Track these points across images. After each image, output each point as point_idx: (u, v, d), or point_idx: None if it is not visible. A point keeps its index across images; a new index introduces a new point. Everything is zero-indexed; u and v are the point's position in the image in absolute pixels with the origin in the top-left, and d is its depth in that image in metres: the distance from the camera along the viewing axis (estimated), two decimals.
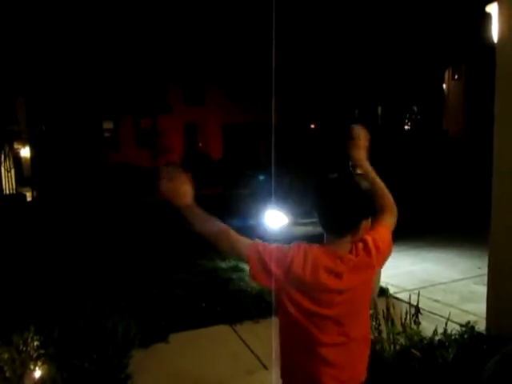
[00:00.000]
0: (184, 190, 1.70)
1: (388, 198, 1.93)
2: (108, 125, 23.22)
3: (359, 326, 1.74)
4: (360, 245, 1.71)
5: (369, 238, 1.73)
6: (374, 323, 3.13)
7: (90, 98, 20.87)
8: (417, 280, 5.33)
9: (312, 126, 24.71)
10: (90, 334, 3.41)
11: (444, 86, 24.96)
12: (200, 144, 24.18)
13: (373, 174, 1.99)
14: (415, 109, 25.30)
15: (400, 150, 15.23)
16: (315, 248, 1.69)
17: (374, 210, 1.77)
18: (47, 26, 18.58)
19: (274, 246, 1.69)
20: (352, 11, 20.36)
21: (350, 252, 1.68)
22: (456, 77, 24.46)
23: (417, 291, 4.42)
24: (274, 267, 1.63)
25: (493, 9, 3.33)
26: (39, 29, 18.32)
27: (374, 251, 1.70)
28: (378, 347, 2.92)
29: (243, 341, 4.10)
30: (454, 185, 10.58)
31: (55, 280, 5.11)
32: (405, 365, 2.60)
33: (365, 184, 1.73)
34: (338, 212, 1.65)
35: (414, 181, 11.02)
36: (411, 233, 7.30)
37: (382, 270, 5.14)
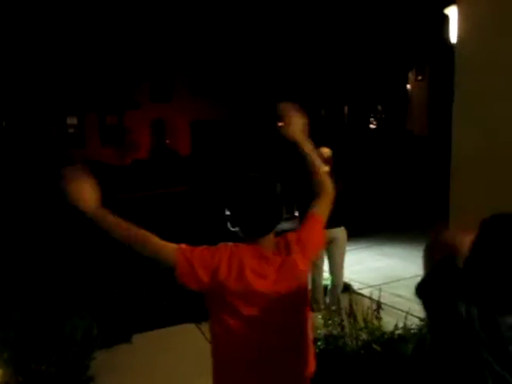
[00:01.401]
0: (86, 194, 1.60)
1: (323, 182, 1.85)
2: (72, 120, 22.53)
3: (289, 329, 1.69)
4: (282, 244, 1.68)
5: (293, 237, 1.71)
6: (336, 319, 3.17)
7: (53, 92, 20.24)
8: (380, 276, 5.44)
9: (280, 124, 24.83)
10: (49, 337, 3.31)
11: (408, 86, 25.58)
12: (167, 141, 23.88)
13: (308, 151, 1.88)
14: (380, 108, 25.85)
15: (366, 149, 15.53)
16: (242, 248, 1.66)
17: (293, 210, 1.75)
18: (7, 17, 17.88)
19: (200, 249, 1.64)
20: (319, 12, 20.57)
21: (275, 252, 1.66)
22: (420, 78, 25.08)
23: (380, 287, 4.52)
24: (201, 271, 1.59)
25: (451, 11, 3.43)
26: None
27: (296, 250, 1.67)
28: (340, 343, 2.96)
29: (208, 339, 4.07)
30: (418, 182, 10.87)
31: (12, 280, 4.92)
32: (366, 359, 2.65)
33: (278, 186, 1.68)
34: (259, 214, 1.62)
35: (379, 179, 11.26)
36: (375, 229, 7.44)
37: (346, 266, 5.25)
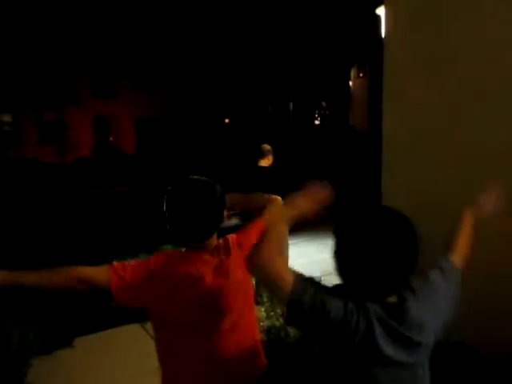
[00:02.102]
0: None
1: (274, 201, 1.86)
2: (6, 118, 21.25)
3: (233, 330, 1.66)
4: (221, 245, 1.67)
5: (233, 238, 1.70)
6: (278, 311, 3.24)
7: None
8: (323, 267, 5.59)
9: (226, 121, 24.84)
10: None
11: (350, 83, 26.40)
12: (111, 138, 23.15)
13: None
14: (324, 104, 26.52)
15: (311, 144, 15.87)
16: (175, 255, 1.64)
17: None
18: None
19: (132, 264, 1.59)
20: (264, 10, 20.72)
21: (213, 253, 1.63)
22: (361, 75, 25.95)
23: (323, 278, 4.66)
24: (136, 285, 1.53)
25: (381, 11, 3.60)
26: None
27: (235, 251, 1.66)
28: (282, 334, 3.03)
29: (153, 338, 4.03)
30: (359, 175, 11.24)
31: None
32: (306, 347, 2.74)
33: (219, 190, 1.62)
34: (198, 219, 1.56)
35: (322, 172, 11.53)
36: (318, 222, 7.62)
37: (291, 260, 5.34)
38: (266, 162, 4.55)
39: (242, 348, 1.68)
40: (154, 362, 3.75)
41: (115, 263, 1.58)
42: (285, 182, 4.71)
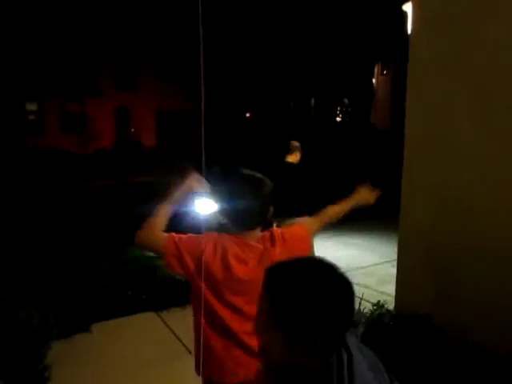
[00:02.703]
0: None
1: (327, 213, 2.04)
2: (31, 106, 21.65)
3: None
4: (267, 235, 1.79)
5: (277, 230, 1.82)
6: None
7: (11, 75, 19.39)
8: (340, 265, 5.59)
9: (247, 116, 24.85)
10: (1, 326, 3.24)
11: (373, 80, 26.10)
12: (132, 130, 23.38)
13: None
14: (346, 101, 26.27)
15: (331, 140, 15.76)
16: (225, 236, 1.76)
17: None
18: None
19: (187, 236, 1.76)
20: (288, 7, 20.60)
21: (259, 242, 1.76)
22: (385, 72, 25.64)
23: None
24: (187, 257, 1.70)
25: (408, 7, 3.55)
26: None
27: (279, 243, 1.77)
28: None
29: (168, 327, 4.09)
30: (379, 175, 11.15)
31: None
32: None
33: (269, 184, 1.79)
34: (250, 207, 1.71)
35: (343, 170, 11.47)
36: (339, 220, 7.58)
37: None
38: (293, 158, 4.71)
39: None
40: (167, 349, 3.83)
41: (172, 233, 1.77)
42: (311, 177, 4.80)
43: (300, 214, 4.33)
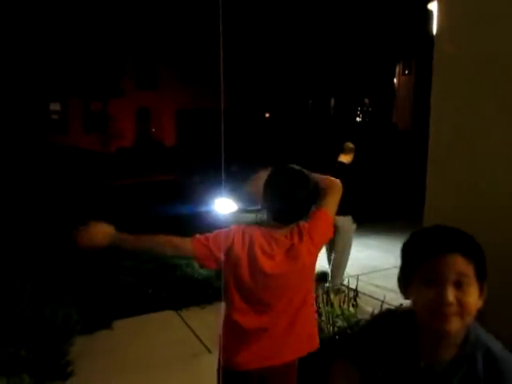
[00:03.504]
0: (103, 232, 1.79)
1: (328, 181, 1.96)
2: (55, 106, 22.13)
3: (287, 311, 1.78)
4: (295, 230, 1.79)
5: (304, 225, 1.81)
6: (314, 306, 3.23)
7: (36, 76, 19.83)
8: (360, 266, 5.54)
9: (267, 115, 24.84)
10: (28, 322, 3.31)
11: (395, 80, 25.77)
12: (153, 129, 23.65)
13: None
14: (367, 101, 26.00)
15: (351, 141, 15.60)
16: (253, 228, 1.78)
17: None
18: None
19: (213, 234, 1.78)
20: (308, 5, 20.51)
21: (286, 236, 1.76)
22: (406, 72, 25.29)
23: (358, 276, 4.62)
24: (217, 251, 1.74)
25: (433, 6, 3.49)
26: None
27: (307, 238, 1.77)
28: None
29: (188, 326, 4.12)
30: (400, 175, 11.01)
31: None
32: (340, 344, 2.72)
33: (313, 176, 1.82)
34: (293, 203, 1.74)
35: (363, 170, 11.35)
36: (360, 221, 7.53)
37: (324, 256, 5.32)
38: (346, 159, 4.90)
39: (291, 325, 1.80)
40: (187, 348, 3.85)
41: (197, 235, 1.79)
42: (362, 179, 5.07)
43: (347, 213, 4.64)
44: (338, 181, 1.95)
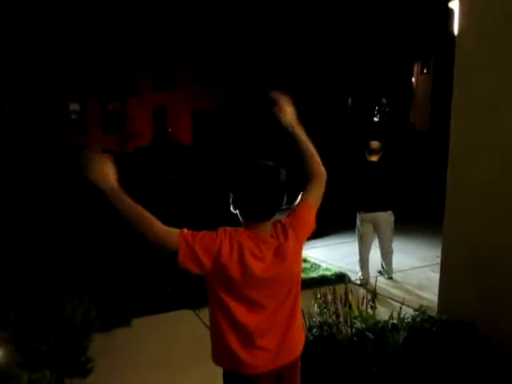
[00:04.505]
0: (106, 171, 1.66)
1: (317, 165, 1.93)
2: (74, 106, 22.49)
3: (283, 308, 1.78)
4: (279, 228, 1.76)
5: (287, 221, 1.79)
6: (332, 308, 3.22)
7: (56, 77, 20.18)
8: (378, 267, 5.48)
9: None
10: (48, 318, 3.36)
11: (413, 79, 25.47)
12: (169, 129, 23.84)
13: (304, 136, 1.97)
14: (384, 101, 25.74)
15: (367, 141, 15.47)
16: (240, 232, 1.73)
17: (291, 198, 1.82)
18: (12, 4, 17.78)
19: (201, 234, 1.70)
20: (325, 3, 20.40)
21: (272, 235, 1.74)
22: (425, 71, 24.97)
23: (376, 278, 4.58)
24: (203, 256, 1.65)
25: (454, 4, 3.44)
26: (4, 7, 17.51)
27: (292, 234, 1.76)
28: (335, 330, 3.01)
29: (205, 325, 4.13)
30: (417, 176, 10.87)
31: (13, 263, 4.98)
32: (358, 346, 2.71)
33: (284, 174, 1.75)
34: (263, 199, 1.69)
35: (382, 172, 11.22)
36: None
37: (343, 257, 5.27)
38: (377, 157, 5.05)
39: (286, 324, 1.79)
40: (204, 348, 3.87)
41: (185, 230, 1.69)
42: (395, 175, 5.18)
43: (387, 208, 5.01)
44: (325, 173, 1.93)
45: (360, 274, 5.14)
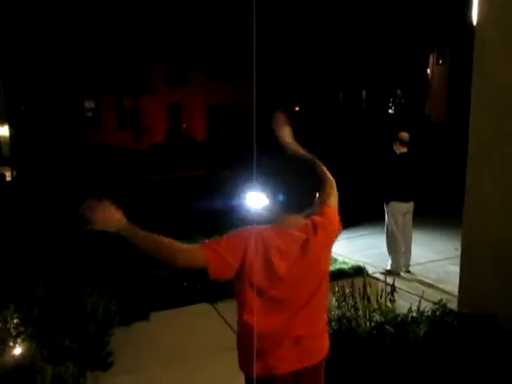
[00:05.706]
0: (111, 214, 1.62)
1: (323, 174, 1.94)
2: (89, 104, 22.70)
3: (310, 307, 1.76)
4: (309, 224, 1.76)
5: (318, 219, 1.79)
6: (350, 301, 3.21)
7: (71, 75, 20.39)
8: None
9: (296, 109, 24.64)
10: (70, 313, 3.43)
11: (428, 70, 25.06)
12: (184, 125, 23.92)
13: (301, 152, 2.02)
14: (399, 92, 25.39)
15: (383, 133, 15.33)
16: (265, 230, 1.71)
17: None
18: (25, 3, 17.99)
19: (225, 238, 1.68)
20: None
21: (301, 230, 1.72)
22: (440, 61, 24.54)
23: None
24: (231, 260, 1.63)
25: None
26: (17, 6, 17.73)
27: (321, 231, 1.75)
28: (353, 324, 3.01)
29: (223, 318, 4.17)
30: (435, 168, 10.74)
31: (36, 259, 5.07)
32: (378, 339, 2.70)
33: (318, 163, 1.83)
34: (301, 190, 1.70)
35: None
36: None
37: (360, 250, 5.26)
38: (404, 149, 5.07)
39: (313, 323, 1.78)
40: (222, 341, 3.92)
41: (206, 241, 1.67)
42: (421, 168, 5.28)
43: (411, 199, 5.08)
44: (332, 178, 1.98)
45: (391, 262, 5.15)
